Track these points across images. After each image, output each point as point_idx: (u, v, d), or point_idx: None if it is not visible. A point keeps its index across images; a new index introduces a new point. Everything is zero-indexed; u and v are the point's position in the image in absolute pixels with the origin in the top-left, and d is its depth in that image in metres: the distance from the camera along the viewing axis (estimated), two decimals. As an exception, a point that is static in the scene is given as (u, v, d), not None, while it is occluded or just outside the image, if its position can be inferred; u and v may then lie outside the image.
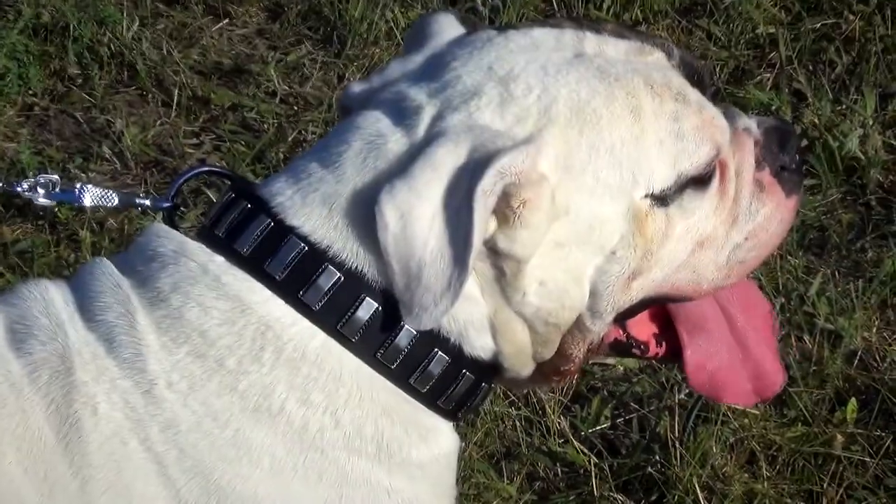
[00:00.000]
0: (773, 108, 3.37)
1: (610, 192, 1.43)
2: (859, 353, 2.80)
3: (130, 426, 1.37)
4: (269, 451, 1.38)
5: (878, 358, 2.81)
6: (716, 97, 1.54)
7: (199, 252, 1.44)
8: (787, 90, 3.45)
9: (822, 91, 3.43)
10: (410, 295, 1.37)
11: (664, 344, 1.59)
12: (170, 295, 1.41)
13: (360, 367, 1.41)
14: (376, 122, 1.44)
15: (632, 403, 2.73)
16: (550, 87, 1.43)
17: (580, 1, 3.75)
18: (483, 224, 1.36)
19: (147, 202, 1.66)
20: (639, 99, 1.44)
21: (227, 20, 3.79)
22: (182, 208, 3.03)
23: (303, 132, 3.38)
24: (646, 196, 1.45)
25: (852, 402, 2.69)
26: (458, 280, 1.35)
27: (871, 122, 3.32)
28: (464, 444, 1.48)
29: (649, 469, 2.60)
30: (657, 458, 2.60)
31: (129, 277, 1.45)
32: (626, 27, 1.54)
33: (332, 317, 1.40)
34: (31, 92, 3.51)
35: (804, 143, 3.23)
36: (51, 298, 1.43)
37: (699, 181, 1.48)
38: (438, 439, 1.47)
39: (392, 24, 3.64)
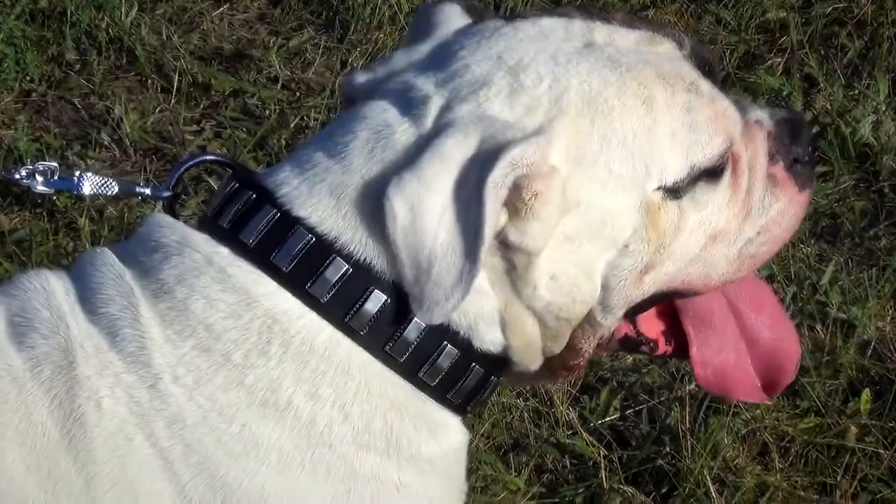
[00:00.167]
0: (784, 93, 3.35)
1: (622, 185, 1.42)
2: (873, 342, 2.79)
3: (135, 421, 1.36)
4: (277, 447, 1.37)
5: (891, 348, 2.80)
6: (725, 84, 1.52)
7: (204, 243, 1.43)
8: (798, 75, 3.43)
9: (833, 76, 3.41)
10: (420, 288, 1.36)
11: (673, 341, 1.59)
12: (174, 287, 1.40)
13: (369, 361, 1.40)
14: (383, 112, 1.43)
15: (641, 394, 2.72)
16: (561, 77, 1.42)
17: (587, -14, 3.72)
18: (494, 216, 1.35)
19: (147, 191, 1.65)
20: (651, 89, 1.43)
21: (227, 5, 3.75)
22: (183, 196, 3.04)
23: (305, 118, 3.36)
24: (658, 188, 1.44)
25: (866, 393, 2.68)
26: (468, 273, 1.34)
27: (883, 108, 3.30)
28: (471, 435, 1.48)
29: (659, 461, 2.59)
30: (667, 449, 2.60)
31: (131, 268, 1.43)
32: (636, 17, 1.54)
33: (340, 309, 1.39)
34: (28, 78, 3.48)
35: (816, 129, 3.22)
36: (52, 290, 1.42)
37: (712, 173, 1.47)
38: (448, 434, 1.46)
39: (396, 8, 3.61)
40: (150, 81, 3.49)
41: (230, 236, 1.42)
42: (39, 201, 3.11)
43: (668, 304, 1.56)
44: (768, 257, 1.55)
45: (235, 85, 3.47)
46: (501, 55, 1.44)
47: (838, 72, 3.42)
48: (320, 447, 1.38)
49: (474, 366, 1.45)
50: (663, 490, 2.57)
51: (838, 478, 2.55)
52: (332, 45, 3.61)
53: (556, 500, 2.57)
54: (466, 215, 1.33)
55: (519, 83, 1.41)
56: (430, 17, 1.54)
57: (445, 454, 1.46)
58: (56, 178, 1.69)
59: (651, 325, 1.57)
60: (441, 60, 1.46)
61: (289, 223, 1.41)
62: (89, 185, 1.66)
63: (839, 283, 2.89)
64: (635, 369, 2.77)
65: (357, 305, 1.39)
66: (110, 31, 3.55)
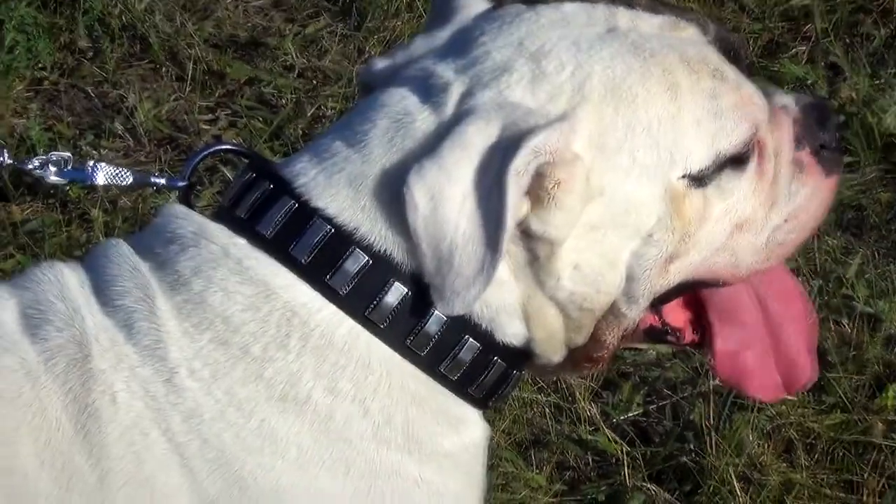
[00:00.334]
0: (809, 82, 3.33)
1: (646, 173, 1.40)
2: (900, 337, 2.77)
3: (151, 416, 1.34)
4: (296, 442, 1.35)
5: (919, 342, 2.78)
6: (749, 71, 1.51)
7: (221, 234, 1.41)
8: (822, 64, 3.41)
9: (859, 65, 3.39)
10: (441, 279, 1.34)
11: (699, 332, 1.56)
12: (191, 279, 1.39)
13: (390, 355, 1.39)
14: (402, 99, 1.41)
15: (664, 389, 2.70)
16: (584, 63, 1.40)
17: (607, -27, 3.68)
18: (516, 205, 1.33)
19: (162, 181, 1.64)
20: (675, 76, 1.41)
21: (242, -8, 3.73)
22: (198, 187, 3.03)
23: (322, 107, 3.35)
24: (683, 176, 1.42)
25: (892, 388, 2.65)
26: (490, 263, 1.32)
27: (909, 98, 3.28)
28: (491, 431, 1.48)
29: (683, 458, 2.57)
30: (691, 446, 2.58)
31: (146, 260, 1.42)
32: (659, 1, 1.51)
33: (359, 302, 1.38)
34: (40, 66, 3.46)
35: (840, 119, 3.20)
36: (66, 282, 1.40)
37: (737, 161, 1.45)
38: (468, 429, 1.45)
39: (413, -5, 3.59)
40: (164, 69, 3.47)
41: (247, 227, 1.41)
42: (52, 192, 3.10)
43: (693, 293, 1.53)
44: (796, 245, 1.53)
45: (251, 73, 3.46)
46: (523, 41, 1.42)
47: (863, 60, 3.40)
48: (340, 443, 1.36)
49: (496, 359, 1.43)
50: (687, 488, 2.55)
51: (865, 475, 2.53)
52: (349, 32, 3.59)
53: (578, 497, 2.55)
54: (488, 204, 1.32)
55: (541, 70, 1.39)
56: (449, 2, 1.52)
57: (466, 449, 1.44)
58: (69, 168, 1.67)
59: (677, 314, 1.55)
60: (461, 46, 1.44)
61: (307, 214, 1.39)
62: (103, 175, 1.65)
63: (865, 276, 2.87)
64: (658, 364, 2.75)
65: (377, 298, 1.37)
66: (123, 17, 3.54)
